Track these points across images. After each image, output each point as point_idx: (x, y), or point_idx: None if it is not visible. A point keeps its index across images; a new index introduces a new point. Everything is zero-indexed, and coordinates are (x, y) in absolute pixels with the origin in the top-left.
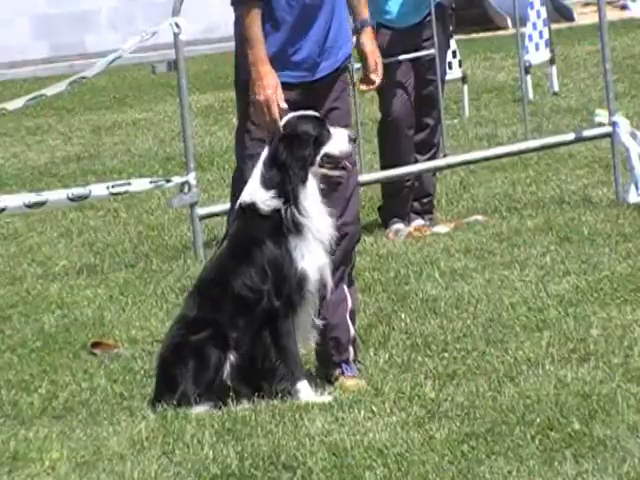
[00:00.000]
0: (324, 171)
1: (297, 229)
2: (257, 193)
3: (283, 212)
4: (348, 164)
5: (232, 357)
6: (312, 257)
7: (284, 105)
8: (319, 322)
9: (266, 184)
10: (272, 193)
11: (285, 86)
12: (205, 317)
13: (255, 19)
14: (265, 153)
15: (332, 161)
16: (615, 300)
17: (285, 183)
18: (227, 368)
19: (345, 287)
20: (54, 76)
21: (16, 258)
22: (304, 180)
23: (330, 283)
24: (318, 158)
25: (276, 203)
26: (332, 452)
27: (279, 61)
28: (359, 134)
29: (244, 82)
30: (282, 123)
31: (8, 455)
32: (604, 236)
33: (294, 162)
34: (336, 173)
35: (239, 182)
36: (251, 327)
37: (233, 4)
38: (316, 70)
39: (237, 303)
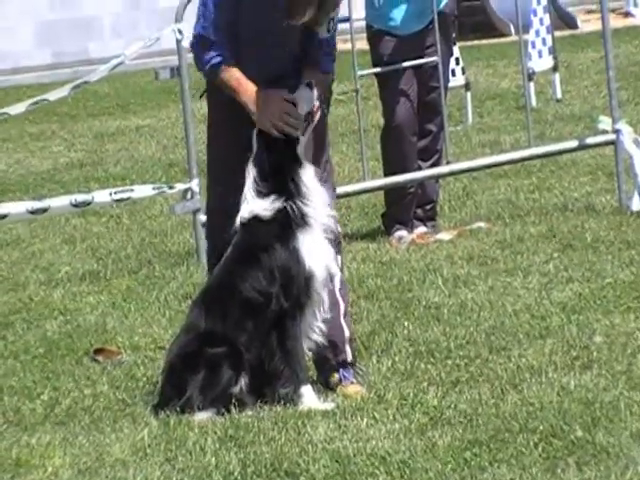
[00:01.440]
0: (308, 130)
1: (304, 220)
2: (255, 205)
3: (289, 208)
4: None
5: (245, 378)
6: (319, 253)
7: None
8: (321, 335)
9: (262, 193)
10: (272, 198)
11: None
12: (221, 332)
13: (234, 72)
14: (251, 170)
15: (308, 117)
16: (618, 307)
17: (283, 182)
18: (238, 387)
19: (337, 291)
20: (57, 82)
21: (19, 264)
22: (300, 163)
23: (338, 274)
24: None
25: (278, 204)
26: (335, 459)
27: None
28: (362, 141)
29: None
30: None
31: (10, 462)
32: (607, 244)
33: (283, 150)
34: (316, 119)
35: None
36: (260, 331)
37: (208, 76)
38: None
39: (245, 308)
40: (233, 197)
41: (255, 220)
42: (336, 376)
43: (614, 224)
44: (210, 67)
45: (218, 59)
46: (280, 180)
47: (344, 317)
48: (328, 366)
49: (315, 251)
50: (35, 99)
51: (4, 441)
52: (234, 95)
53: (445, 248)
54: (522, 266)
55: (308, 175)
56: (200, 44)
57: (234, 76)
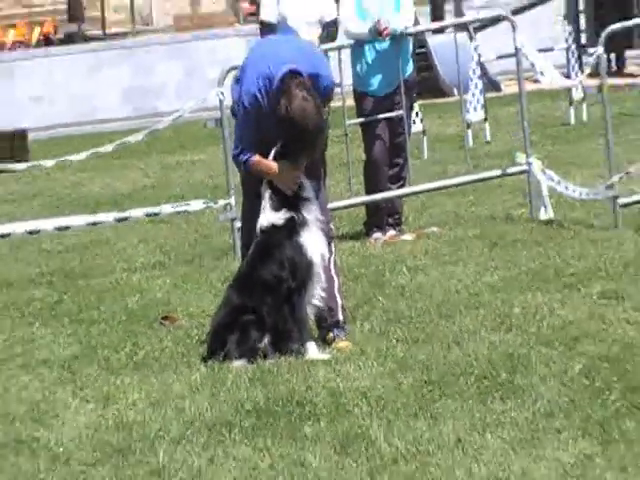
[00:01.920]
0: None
1: (305, 223)
2: (272, 216)
3: (295, 216)
4: None
5: (267, 337)
6: (316, 245)
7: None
8: (321, 301)
9: (276, 207)
10: (283, 210)
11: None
12: (249, 305)
13: (256, 161)
14: (266, 191)
15: None
16: (530, 288)
17: (290, 200)
18: (262, 344)
19: (332, 271)
20: (135, 129)
21: (108, 257)
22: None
23: (332, 256)
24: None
25: (288, 215)
26: (330, 394)
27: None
28: (350, 170)
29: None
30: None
31: (102, 396)
32: (522, 242)
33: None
34: None
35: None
36: (276, 304)
37: (245, 170)
38: None
39: (265, 287)
40: (257, 211)
41: (271, 226)
42: (331, 335)
43: (527, 229)
44: (244, 166)
45: (246, 158)
46: (288, 198)
47: (338, 290)
48: (325, 325)
49: (313, 244)
50: (120, 141)
51: (98, 381)
52: (261, 174)
53: (408, 246)
54: (462, 258)
55: (307, 191)
56: (236, 155)
57: (257, 163)
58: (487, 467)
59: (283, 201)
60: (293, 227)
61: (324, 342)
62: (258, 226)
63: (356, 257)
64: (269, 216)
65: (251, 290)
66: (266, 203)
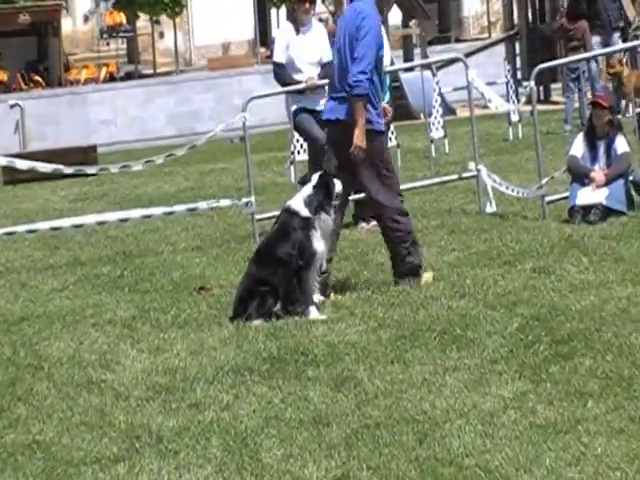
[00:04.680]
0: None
1: (319, 227)
2: (301, 207)
3: (312, 220)
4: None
5: (280, 303)
6: (322, 243)
7: None
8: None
9: (306, 204)
10: (309, 209)
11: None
12: (266, 277)
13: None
14: (305, 189)
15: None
16: (480, 264)
17: (317, 206)
18: (276, 307)
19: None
20: (179, 145)
21: (157, 242)
22: (330, 200)
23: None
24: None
25: (309, 214)
26: (327, 346)
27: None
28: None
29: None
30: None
31: (153, 348)
32: (473, 230)
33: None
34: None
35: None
36: (287, 276)
37: (357, 96)
38: None
39: (279, 263)
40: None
41: (296, 213)
42: (332, 295)
43: (476, 220)
44: (362, 92)
45: (366, 91)
46: (318, 206)
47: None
48: (326, 288)
49: (319, 241)
50: (167, 154)
51: (150, 336)
52: (358, 114)
53: None
54: (427, 242)
55: (331, 203)
56: (364, 80)
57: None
58: (446, 401)
59: (313, 201)
60: (310, 223)
61: (324, 296)
62: (287, 204)
63: (346, 241)
64: (299, 206)
65: (267, 265)
66: (302, 195)
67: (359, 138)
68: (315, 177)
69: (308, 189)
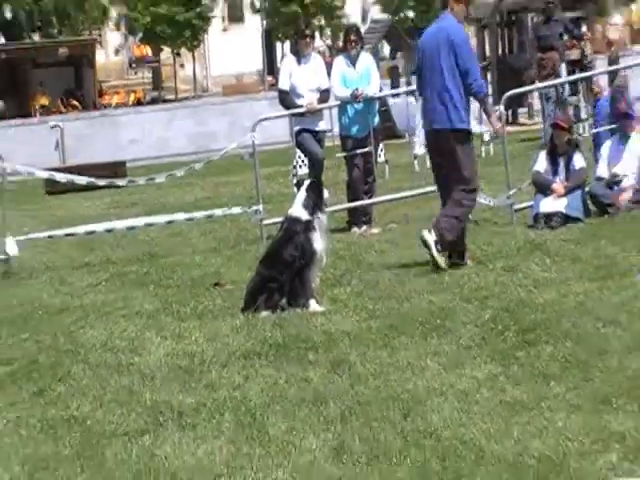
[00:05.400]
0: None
1: (318, 228)
2: (301, 213)
3: (313, 222)
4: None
5: (285, 297)
6: (321, 243)
7: None
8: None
9: (304, 207)
10: (308, 212)
11: None
12: (273, 275)
13: None
14: (301, 193)
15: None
16: (456, 264)
17: (313, 206)
18: (282, 301)
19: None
20: (197, 160)
21: (179, 244)
22: (322, 201)
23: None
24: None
25: (309, 217)
26: (324, 333)
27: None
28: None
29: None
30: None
31: (175, 335)
32: None
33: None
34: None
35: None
36: (291, 275)
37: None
38: None
39: (284, 263)
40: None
41: (297, 219)
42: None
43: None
44: (483, 94)
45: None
46: (314, 207)
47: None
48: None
49: (319, 241)
50: (187, 168)
51: (172, 326)
52: (489, 107)
53: (376, 236)
54: (412, 244)
55: (323, 205)
56: (483, 85)
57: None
58: (428, 382)
59: (309, 203)
60: (311, 225)
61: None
62: (289, 213)
63: (342, 243)
64: (298, 210)
65: (274, 264)
66: (300, 200)
67: (497, 124)
68: (306, 183)
69: (302, 194)
